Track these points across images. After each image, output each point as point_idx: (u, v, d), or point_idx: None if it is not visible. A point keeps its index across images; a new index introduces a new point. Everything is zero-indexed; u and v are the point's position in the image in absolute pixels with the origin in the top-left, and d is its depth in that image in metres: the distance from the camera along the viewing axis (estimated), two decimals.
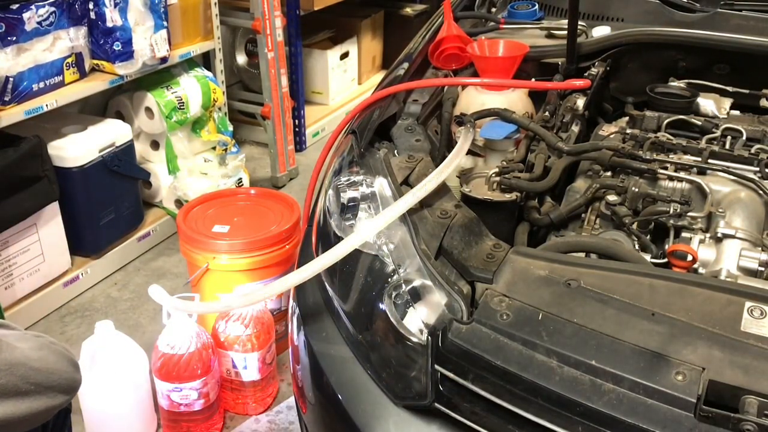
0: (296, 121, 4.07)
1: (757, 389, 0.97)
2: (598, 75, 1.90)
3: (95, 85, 2.84)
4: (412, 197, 1.34)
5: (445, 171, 1.41)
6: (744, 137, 1.68)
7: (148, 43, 2.87)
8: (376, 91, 1.83)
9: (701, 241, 1.39)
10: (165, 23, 2.93)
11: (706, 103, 1.83)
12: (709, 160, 1.59)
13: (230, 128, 3.50)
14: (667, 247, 1.40)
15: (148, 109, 3.13)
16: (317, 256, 1.55)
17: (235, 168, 3.33)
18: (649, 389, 1.00)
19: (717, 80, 1.92)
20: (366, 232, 1.32)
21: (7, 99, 2.50)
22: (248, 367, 2.21)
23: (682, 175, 1.55)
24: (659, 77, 1.98)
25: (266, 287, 1.48)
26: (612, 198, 1.50)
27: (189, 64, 3.28)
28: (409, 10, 4.85)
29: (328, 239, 1.49)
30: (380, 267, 1.33)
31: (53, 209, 2.71)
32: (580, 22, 1.99)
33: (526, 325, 1.12)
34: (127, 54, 2.81)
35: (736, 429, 0.95)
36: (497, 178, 1.55)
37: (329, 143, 1.85)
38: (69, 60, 2.72)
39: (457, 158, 1.46)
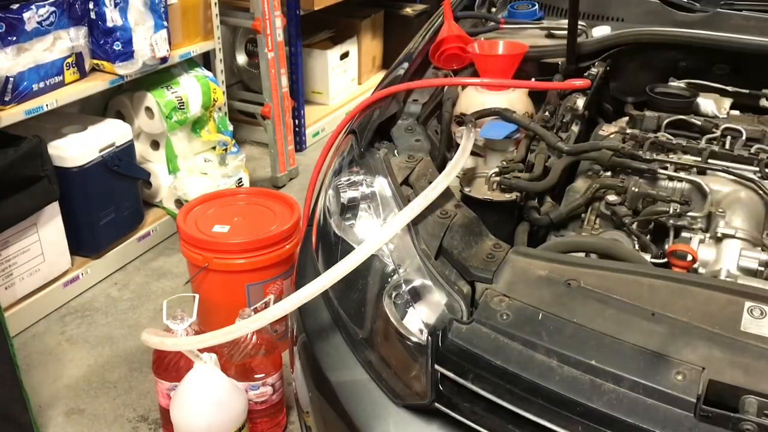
0: (296, 121, 4.07)
1: (757, 389, 0.97)
2: (598, 75, 1.90)
3: (95, 85, 2.84)
4: (424, 200, 1.33)
5: (453, 172, 1.41)
6: (744, 137, 1.68)
7: (148, 43, 2.87)
8: (376, 91, 1.83)
9: (701, 241, 1.39)
10: (165, 23, 2.93)
11: (706, 103, 1.83)
12: (709, 160, 1.59)
13: (230, 128, 3.50)
14: (667, 247, 1.40)
15: (148, 109, 3.13)
16: (317, 256, 1.55)
17: (235, 168, 3.33)
18: (649, 389, 1.00)
19: (717, 80, 1.92)
20: (379, 239, 1.30)
21: (7, 99, 2.51)
22: None
23: (682, 175, 1.55)
24: (659, 77, 1.98)
25: (274, 307, 1.37)
26: (612, 198, 1.50)
27: (189, 64, 3.28)
28: (409, 10, 4.85)
29: (328, 239, 1.49)
30: (380, 267, 1.33)
31: (53, 209, 2.71)
32: (580, 22, 1.99)
33: (526, 325, 1.12)
34: (127, 54, 2.81)
35: (735, 429, 0.95)
36: (497, 178, 1.55)
37: (329, 143, 1.85)
38: (69, 60, 2.73)
39: (463, 158, 1.46)
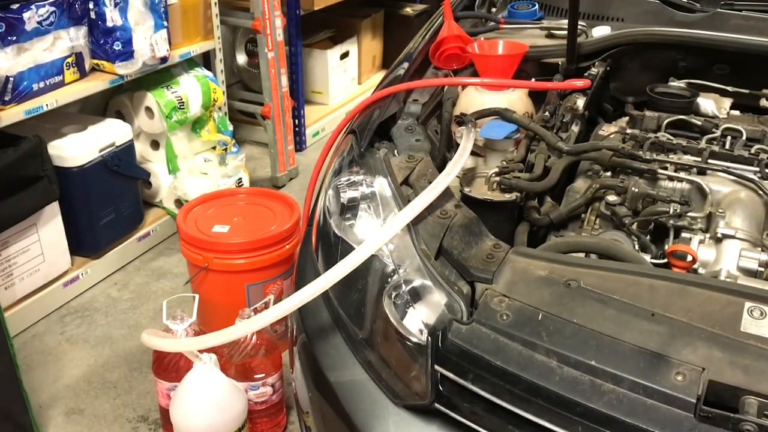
0: (296, 121, 4.07)
1: (757, 389, 0.97)
2: (598, 75, 1.90)
3: (95, 84, 2.84)
4: (424, 200, 1.33)
5: (453, 172, 1.41)
6: (744, 137, 1.68)
7: (148, 42, 2.87)
8: (376, 91, 1.83)
9: (701, 242, 1.39)
10: (165, 23, 2.93)
11: (706, 103, 1.83)
12: (709, 160, 1.59)
13: (230, 128, 3.50)
14: (666, 247, 1.40)
15: (148, 109, 3.13)
16: (317, 256, 1.55)
17: (235, 168, 3.33)
18: (649, 389, 1.00)
19: (717, 80, 1.92)
20: (379, 240, 1.30)
21: (7, 99, 2.50)
22: None
23: (682, 175, 1.55)
24: (659, 77, 1.97)
25: (274, 307, 1.37)
26: (612, 198, 1.50)
27: (189, 63, 3.28)
28: (409, 10, 4.85)
29: (328, 239, 1.49)
30: (380, 267, 1.33)
31: (53, 209, 2.71)
32: (580, 22, 1.99)
33: (526, 326, 1.12)
34: (127, 54, 2.81)
35: (735, 429, 0.95)
36: (497, 178, 1.55)
37: (329, 143, 1.85)
38: (69, 60, 2.72)
39: (463, 158, 1.46)
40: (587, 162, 1.67)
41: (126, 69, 2.84)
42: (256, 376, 2.13)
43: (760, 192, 1.49)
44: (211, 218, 2.48)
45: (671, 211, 1.44)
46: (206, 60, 3.59)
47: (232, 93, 4.05)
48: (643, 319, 1.10)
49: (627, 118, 1.90)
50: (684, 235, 1.44)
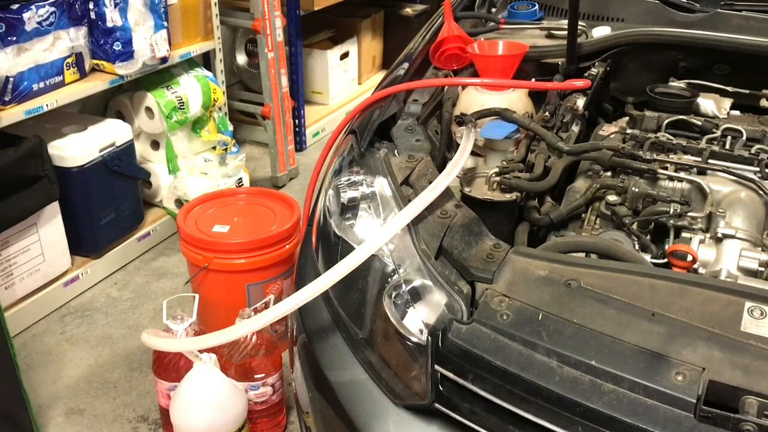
0: (296, 121, 4.07)
1: (757, 389, 0.97)
2: (598, 75, 1.90)
3: (95, 85, 2.84)
4: (424, 200, 1.33)
5: (453, 172, 1.41)
6: (744, 137, 1.68)
7: (148, 43, 2.87)
8: (376, 91, 1.83)
9: (701, 241, 1.39)
10: (165, 23, 2.93)
11: (706, 103, 1.83)
12: (709, 160, 1.59)
13: (230, 128, 3.50)
14: (667, 247, 1.40)
15: (149, 109, 3.13)
16: (318, 256, 1.55)
17: (235, 168, 3.33)
18: (649, 389, 1.00)
19: (717, 80, 1.92)
20: (379, 239, 1.30)
21: (7, 99, 2.50)
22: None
23: (682, 175, 1.55)
24: (659, 77, 1.98)
25: (275, 307, 1.37)
26: (612, 198, 1.50)
27: (189, 64, 3.28)
28: (409, 10, 4.85)
29: (328, 239, 1.49)
30: (380, 267, 1.33)
31: (53, 209, 2.71)
32: (580, 22, 1.99)
33: (526, 325, 1.12)
34: (127, 54, 2.81)
35: (735, 429, 0.95)
36: (497, 178, 1.55)
37: (329, 143, 1.85)
38: (69, 60, 2.72)
39: (463, 158, 1.46)
40: (587, 162, 1.67)
41: (126, 69, 2.84)
42: (256, 376, 2.13)
43: (760, 192, 1.49)
44: (211, 218, 2.48)
45: (671, 211, 1.44)
46: (206, 60, 3.59)
47: (232, 93, 4.05)
48: (643, 319, 1.10)
49: (627, 118, 1.89)
50: (684, 234, 1.44)
